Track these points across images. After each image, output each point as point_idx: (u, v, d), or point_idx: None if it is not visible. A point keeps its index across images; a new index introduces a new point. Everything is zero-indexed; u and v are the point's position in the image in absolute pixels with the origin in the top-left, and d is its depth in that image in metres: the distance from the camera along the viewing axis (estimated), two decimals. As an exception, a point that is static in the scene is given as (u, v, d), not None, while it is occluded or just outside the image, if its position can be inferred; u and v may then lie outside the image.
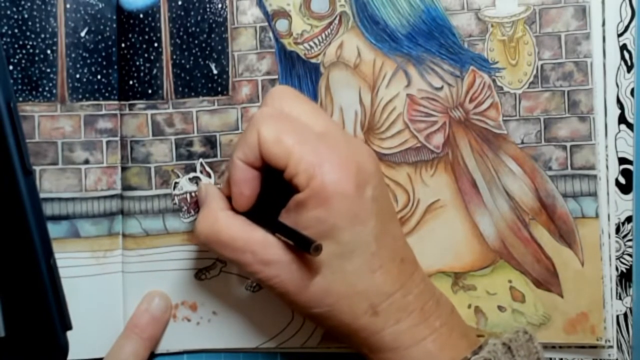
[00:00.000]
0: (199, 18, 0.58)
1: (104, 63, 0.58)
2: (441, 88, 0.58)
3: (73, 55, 0.57)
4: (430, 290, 0.51)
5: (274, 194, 0.50)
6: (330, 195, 0.47)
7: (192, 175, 0.58)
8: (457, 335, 0.50)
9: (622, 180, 0.57)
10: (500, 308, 0.58)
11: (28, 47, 0.57)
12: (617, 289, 0.57)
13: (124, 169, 0.58)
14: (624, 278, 0.57)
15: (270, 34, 0.58)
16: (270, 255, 0.48)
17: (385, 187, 0.51)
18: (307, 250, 0.45)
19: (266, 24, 0.58)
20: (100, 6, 0.57)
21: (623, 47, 0.57)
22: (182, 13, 0.58)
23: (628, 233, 0.57)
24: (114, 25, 0.58)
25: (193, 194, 0.58)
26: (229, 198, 0.51)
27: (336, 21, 0.58)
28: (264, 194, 0.51)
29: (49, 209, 0.57)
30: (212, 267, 0.58)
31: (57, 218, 0.57)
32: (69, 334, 0.54)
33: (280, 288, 0.48)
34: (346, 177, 0.47)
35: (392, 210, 0.51)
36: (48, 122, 0.57)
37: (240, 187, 0.50)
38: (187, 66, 0.58)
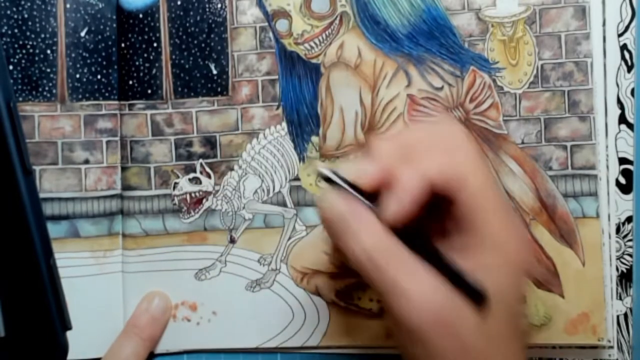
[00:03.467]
0: (198, 18, 0.58)
1: (104, 63, 0.58)
2: (441, 88, 0.58)
3: (73, 55, 0.57)
4: None
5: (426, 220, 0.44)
6: (513, 264, 0.43)
7: (191, 175, 0.58)
8: None
9: (622, 181, 0.57)
10: (500, 308, 0.58)
11: (28, 47, 0.57)
12: (617, 289, 0.57)
13: (123, 168, 0.58)
14: (624, 278, 0.57)
15: (270, 34, 0.58)
16: (438, 304, 0.42)
17: None
18: (477, 300, 0.42)
19: (266, 24, 0.58)
20: (100, 6, 0.57)
21: (623, 47, 0.57)
22: (182, 13, 0.58)
23: (628, 233, 0.57)
24: (114, 25, 0.58)
25: (193, 195, 0.58)
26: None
27: (337, 21, 0.58)
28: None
29: (48, 209, 0.57)
30: (211, 267, 0.58)
31: (57, 218, 0.57)
32: (68, 333, 0.54)
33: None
34: (526, 251, 0.46)
35: None
36: (48, 122, 0.57)
37: (404, 203, 0.42)
38: (187, 66, 0.58)
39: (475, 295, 0.42)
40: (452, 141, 0.45)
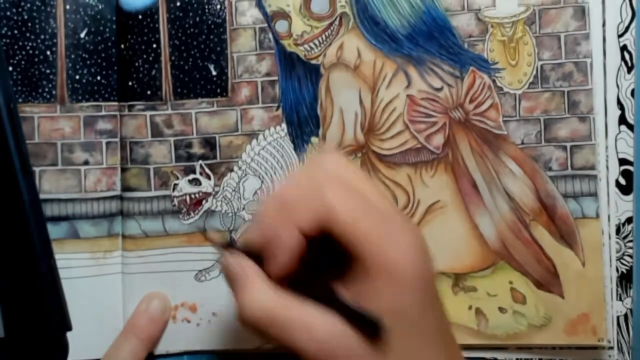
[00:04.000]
0: (197, 19, 0.58)
1: (104, 64, 0.58)
2: (441, 89, 0.58)
3: (73, 56, 0.57)
4: None
5: (322, 263, 0.46)
6: (402, 278, 0.43)
7: (191, 177, 0.58)
8: None
9: (622, 181, 0.57)
10: (501, 309, 0.58)
11: (28, 48, 0.57)
12: (617, 290, 0.57)
13: (123, 170, 0.58)
14: (624, 279, 0.57)
15: (270, 35, 0.58)
16: (327, 333, 0.43)
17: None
18: (372, 333, 0.42)
19: (266, 25, 0.58)
20: (100, 7, 0.58)
21: (623, 48, 0.57)
22: (181, 14, 0.58)
23: (628, 234, 0.57)
24: (114, 26, 0.58)
25: (192, 196, 0.58)
26: (255, 258, 0.47)
27: (336, 22, 0.58)
28: (310, 261, 0.46)
29: (48, 210, 0.57)
30: (211, 268, 0.58)
31: (56, 219, 0.57)
32: (68, 334, 0.54)
33: None
34: (419, 258, 0.44)
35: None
36: (48, 123, 0.57)
37: (285, 257, 0.44)
38: (186, 67, 0.58)
39: (372, 327, 0.42)
40: (318, 177, 0.45)
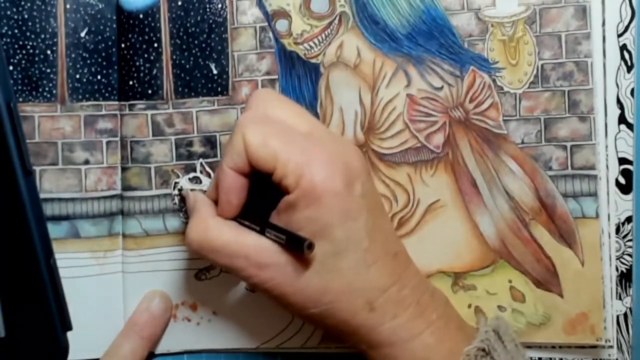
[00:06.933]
0: (198, 18, 0.58)
1: (104, 63, 0.58)
2: (441, 88, 0.58)
3: (73, 55, 0.57)
4: (425, 284, 0.51)
5: (261, 198, 0.50)
6: (321, 193, 0.47)
7: (192, 175, 0.58)
8: (453, 327, 0.50)
9: (622, 181, 0.57)
10: (500, 308, 0.58)
11: (28, 47, 0.57)
12: (617, 289, 0.57)
13: (124, 169, 0.58)
14: (624, 278, 0.57)
15: (270, 34, 0.58)
16: (264, 258, 0.48)
17: (373, 183, 0.52)
18: (300, 248, 0.46)
19: (266, 24, 0.58)
20: (100, 6, 0.57)
21: (623, 47, 0.57)
22: (182, 13, 0.58)
23: (628, 233, 0.57)
24: (114, 26, 0.58)
25: (193, 194, 0.58)
26: (215, 202, 0.51)
27: (336, 21, 0.58)
28: (251, 198, 0.51)
29: (49, 210, 0.57)
30: (212, 267, 0.58)
31: (57, 218, 0.57)
32: (69, 334, 0.54)
33: (276, 290, 0.48)
34: (335, 174, 0.47)
35: (381, 206, 0.52)
36: (48, 122, 0.57)
37: (229, 196, 0.50)
38: (187, 66, 0.58)
39: (300, 244, 0.46)
40: (241, 119, 0.50)
